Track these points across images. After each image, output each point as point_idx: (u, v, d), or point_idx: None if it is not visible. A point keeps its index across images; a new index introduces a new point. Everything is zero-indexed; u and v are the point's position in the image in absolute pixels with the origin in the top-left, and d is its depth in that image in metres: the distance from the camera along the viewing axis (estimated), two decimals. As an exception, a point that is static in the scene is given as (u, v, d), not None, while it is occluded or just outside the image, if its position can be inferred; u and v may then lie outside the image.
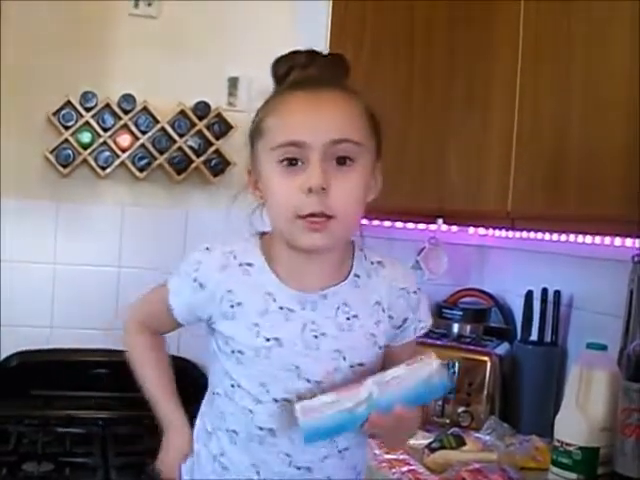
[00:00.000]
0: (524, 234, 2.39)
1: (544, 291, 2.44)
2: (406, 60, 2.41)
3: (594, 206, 1.79)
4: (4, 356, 2.58)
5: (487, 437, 2.20)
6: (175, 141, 2.64)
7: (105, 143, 2.60)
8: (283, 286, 1.43)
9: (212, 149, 2.66)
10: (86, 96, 2.56)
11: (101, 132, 2.59)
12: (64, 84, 2.57)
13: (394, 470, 1.98)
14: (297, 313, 1.43)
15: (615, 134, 1.73)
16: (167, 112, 2.64)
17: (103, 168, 2.60)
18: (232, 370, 1.45)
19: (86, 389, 2.59)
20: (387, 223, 2.54)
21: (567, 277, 2.41)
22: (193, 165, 2.66)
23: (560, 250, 2.35)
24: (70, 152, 2.57)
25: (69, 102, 2.56)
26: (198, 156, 2.65)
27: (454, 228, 2.66)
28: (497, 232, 2.56)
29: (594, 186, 1.79)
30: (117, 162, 2.61)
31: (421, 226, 2.65)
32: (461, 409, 2.42)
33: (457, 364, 2.44)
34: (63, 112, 2.56)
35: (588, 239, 2.09)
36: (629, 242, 1.97)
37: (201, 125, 2.65)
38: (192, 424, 1.58)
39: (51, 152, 2.57)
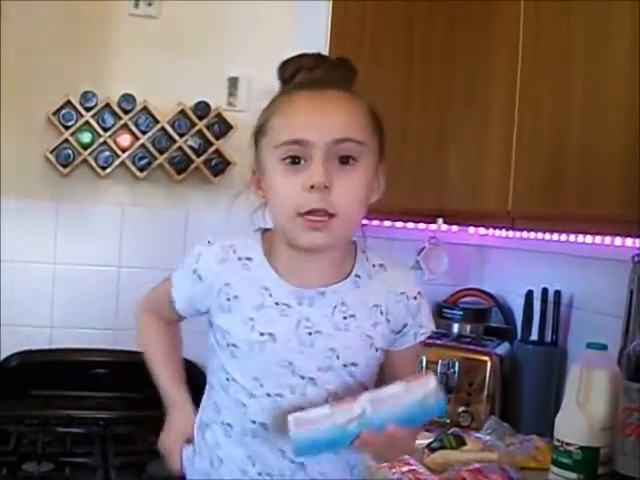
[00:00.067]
0: (524, 234, 2.39)
1: (544, 291, 2.44)
2: (406, 60, 2.41)
3: (594, 206, 1.79)
4: (4, 356, 2.58)
5: (487, 437, 2.20)
6: (175, 141, 2.64)
7: (105, 143, 2.60)
8: (281, 281, 1.44)
9: (212, 149, 2.66)
10: (86, 96, 2.56)
11: (101, 132, 2.59)
12: (64, 84, 2.57)
13: (394, 470, 1.98)
14: (293, 308, 1.43)
15: (615, 134, 1.73)
16: (167, 112, 2.64)
17: (103, 168, 2.60)
18: (227, 364, 1.47)
19: (86, 389, 2.59)
20: (387, 223, 2.54)
21: (567, 277, 2.41)
22: (193, 165, 2.66)
23: (560, 250, 2.35)
24: (70, 152, 2.57)
25: (69, 102, 2.56)
26: (198, 156, 2.65)
27: (454, 228, 2.66)
28: (497, 232, 2.56)
29: (594, 186, 1.79)
30: (117, 162, 2.61)
31: (421, 226, 2.65)
32: (461, 409, 2.42)
33: (457, 364, 2.44)
34: (63, 112, 2.56)
35: (588, 239, 2.09)
36: (629, 242, 1.97)
37: (201, 125, 2.65)
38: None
39: (51, 152, 2.57)
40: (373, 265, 1.49)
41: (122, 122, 2.60)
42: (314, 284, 1.44)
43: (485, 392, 2.42)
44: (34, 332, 2.63)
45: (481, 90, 2.25)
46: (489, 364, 2.43)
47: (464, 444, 2.16)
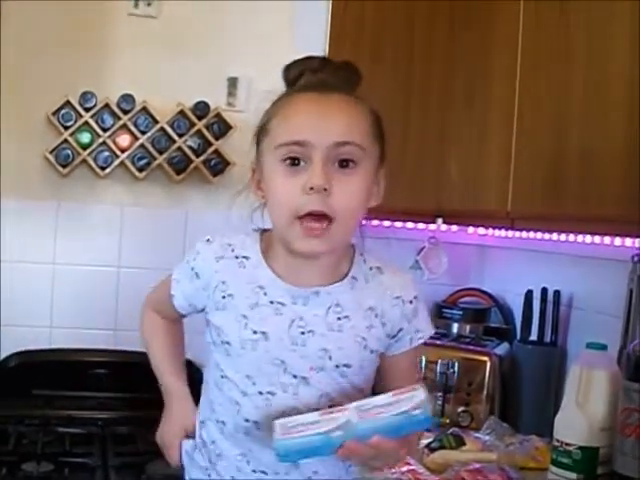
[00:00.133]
0: (524, 234, 2.39)
1: (544, 291, 2.44)
2: (406, 60, 2.41)
3: (594, 206, 1.79)
4: (4, 356, 2.57)
5: (487, 437, 2.21)
6: (174, 141, 2.63)
7: (104, 143, 2.60)
8: (277, 280, 1.45)
9: (211, 149, 2.66)
10: (85, 96, 2.55)
11: (100, 132, 2.58)
12: (63, 84, 2.57)
13: (393, 470, 1.98)
14: (287, 307, 1.44)
15: (615, 134, 1.73)
16: (166, 112, 2.64)
17: (102, 168, 2.60)
18: (221, 361, 1.48)
19: (86, 389, 2.59)
20: (387, 223, 2.54)
21: (567, 277, 2.42)
22: (192, 165, 2.65)
23: (560, 250, 2.35)
24: (69, 152, 2.56)
25: (68, 102, 2.56)
26: (197, 156, 2.65)
27: (454, 228, 2.66)
28: (497, 232, 2.56)
29: (594, 186, 1.79)
30: (116, 162, 2.61)
31: (421, 226, 2.65)
32: (461, 409, 2.43)
33: (457, 364, 2.44)
34: (62, 112, 2.55)
35: (588, 239, 2.09)
36: (629, 242, 1.97)
37: (200, 125, 2.64)
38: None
39: (50, 152, 2.56)
40: (370, 268, 1.50)
41: (121, 122, 2.60)
42: (310, 284, 1.45)
43: (484, 392, 2.42)
44: (34, 332, 2.63)
45: (481, 90, 2.25)
46: (488, 364, 2.43)
47: (463, 444, 2.16)
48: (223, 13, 2.70)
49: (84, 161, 2.59)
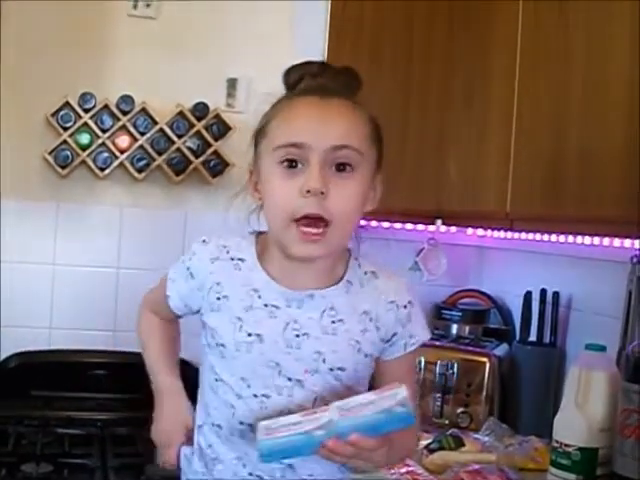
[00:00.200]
0: (523, 235, 2.39)
1: (543, 292, 2.44)
2: (405, 60, 2.41)
3: (593, 207, 1.79)
4: (3, 357, 2.57)
5: (486, 438, 2.20)
6: (174, 142, 2.63)
7: (104, 144, 2.60)
8: (271, 283, 1.45)
9: (211, 150, 2.66)
10: (85, 97, 2.55)
11: (100, 133, 2.58)
12: (63, 85, 2.57)
13: (393, 471, 1.98)
14: (282, 310, 1.44)
15: (615, 134, 1.73)
16: (166, 113, 2.64)
17: (102, 169, 2.60)
18: (216, 364, 1.48)
19: (85, 390, 2.59)
20: (386, 224, 2.54)
21: (566, 278, 2.41)
22: (192, 166, 2.65)
23: (559, 251, 2.35)
24: (69, 153, 2.56)
25: (68, 103, 2.56)
26: (197, 157, 2.65)
27: (453, 229, 2.66)
28: (496, 233, 2.56)
29: (593, 187, 1.79)
30: (116, 163, 2.61)
31: (420, 227, 2.65)
32: (460, 410, 2.42)
33: (456, 365, 2.44)
34: (62, 113, 2.55)
35: (587, 240, 2.09)
36: (628, 243, 1.97)
37: (200, 126, 2.64)
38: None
39: (50, 153, 2.56)
40: (365, 272, 1.50)
41: (120, 123, 2.60)
42: (305, 287, 1.45)
43: (484, 393, 2.42)
44: (33, 333, 2.63)
45: (480, 90, 2.25)
46: (488, 365, 2.43)
47: (463, 445, 2.16)
48: (222, 14, 2.70)
49: (83, 162, 2.59)
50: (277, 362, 1.43)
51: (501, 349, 2.54)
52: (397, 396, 1.32)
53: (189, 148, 2.65)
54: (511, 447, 2.13)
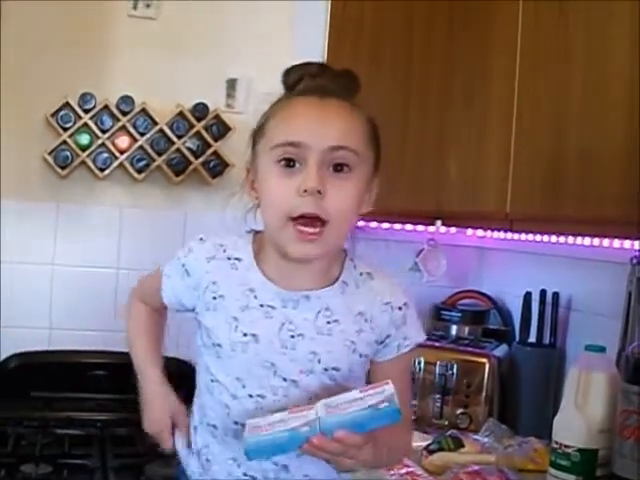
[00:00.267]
0: (523, 236, 2.39)
1: (543, 293, 2.43)
2: (405, 60, 2.41)
3: (593, 207, 1.79)
4: (3, 357, 2.57)
5: (485, 439, 2.20)
6: (173, 143, 2.63)
7: (103, 145, 2.60)
8: (267, 283, 1.45)
9: (210, 151, 2.66)
10: (84, 97, 2.55)
11: (99, 134, 2.58)
12: (62, 85, 2.57)
13: (392, 472, 1.97)
14: (277, 310, 1.44)
15: (615, 135, 1.73)
16: (165, 113, 2.64)
17: (101, 170, 2.60)
18: (212, 364, 1.48)
19: (85, 391, 2.59)
20: (385, 225, 2.54)
21: (566, 279, 2.41)
22: (191, 167, 2.65)
23: (559, 252, 2.34)
24: (68, 154, 2.56)
25: (67, 103, 2.56)
26: (196, 158, 2.65)
27: (453, 230, 2.66)
28: (496, 234, 2.56)
29: (593, 187, 1.79)
30: (115, 164, 2.61)
31: (420, 227, 2.65)
32: (459, 411, 2.42)
33: (455, 366, 2.44)
34: (61, 113, 2.55)
35: (587, 241, 2.09)
36: (627, 244, 1.97)
37: (199, 127, 2.64)
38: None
39: (49, 153, 2.56)
40: (360, 273, 1.50)
41: (120, 124, 2.60)
42: (300, 288, 1.45)
43: (483, 394, 2.41)
44: (33, 333, 2.63)
45: (480, 90, 2.25)
46: (487, 366, 2.43)
47: (462, 446, 2.15)
48: (222, 14, 2.70)
49: (83, 162, 2.59)
50: (272, 362, 1.43)
51: (501, 350, 2.54)
52: (383, 393, 1.32)
53: (189, 149, 2.65)
54: (510, 448, 2.13)
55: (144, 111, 2.61)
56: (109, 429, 2.42)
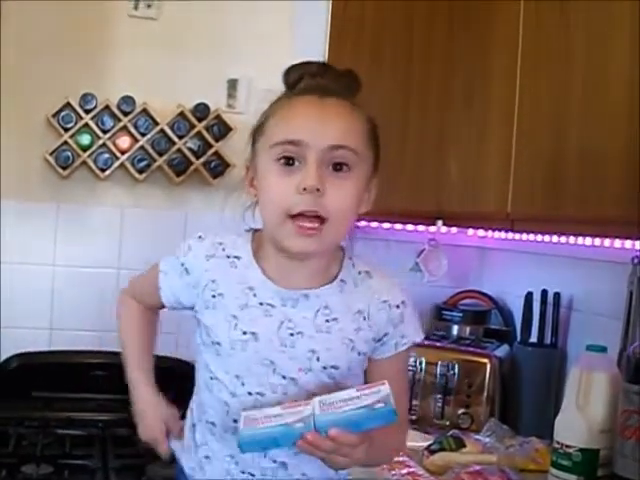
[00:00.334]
0: (524, 236, 2.38)
1: (544, 293, 2.43)
2: (405, 60, 2.41)
3: (594, 207, 1.79)
4: (4, 358, 2.58)
5: (487, 439, 2.20)
6: (174, 143, 2.63)
7: (104, 145, 2.60)
8: (267, 282, 1.46)
9: (211, 151, 2.66)
10: (85, 98, 2.55)
11: (100, 134, 2.59)
12: (63, 86, 2.57)
13: (393, 472, 1.98)
14: (277, 309, 1.45)
15: (615, 135, 1.73)
16: (166, 114, 2.64)
17: (102, 170, 2.60)
18: (211, 362, 1.48)
19: (86, 391, 2.59)
20: (386, 225, 2.54)
21: (567, 279, 2.41)
22: (192, 167, 2.65)
23: (560, 252, 2.34)
24: (69, 154, 2.56)
25: (68, 104, 2.56)
26: (197, 158, 2.65)
27: (454, 230, 2.65)
28: (497, 234, 2.56)
29: (594, 187, 1.79)
30: (116, 164, 2.61)
31: (420, 228, 2.65)
32: (461, 411, 2.42)
33: (457, 366, 2.44)
34: (62, 114, 2.56)
35: (588, 241, 2.08)
36: (629, 244, 1.96)
37: (200, 127, 2.65)
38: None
39: (50, 154, 2.56)
40: (359, 272, 1.50)
41: (121, 124, 2.60)
42: (299, 286, 1.45)
43: (485, 394, 2.41)
44: (34, 334, 2.63)
45: (481, 90, 2.25)
46: (489, 366, 2.42)
47: (463, 446, 2.15)
48: (223, 14, 2.70)
49: (84, 163, 2.59)
50: (272, 360, 1.43)
51: (502, 350, 2.54)
52: (379, 393, 1.33)
53: (190, 149, 2.65)
54: (512, 448, 2.12)
55: (145, 111, 2.61)
56: (110, 429, 2.42)
